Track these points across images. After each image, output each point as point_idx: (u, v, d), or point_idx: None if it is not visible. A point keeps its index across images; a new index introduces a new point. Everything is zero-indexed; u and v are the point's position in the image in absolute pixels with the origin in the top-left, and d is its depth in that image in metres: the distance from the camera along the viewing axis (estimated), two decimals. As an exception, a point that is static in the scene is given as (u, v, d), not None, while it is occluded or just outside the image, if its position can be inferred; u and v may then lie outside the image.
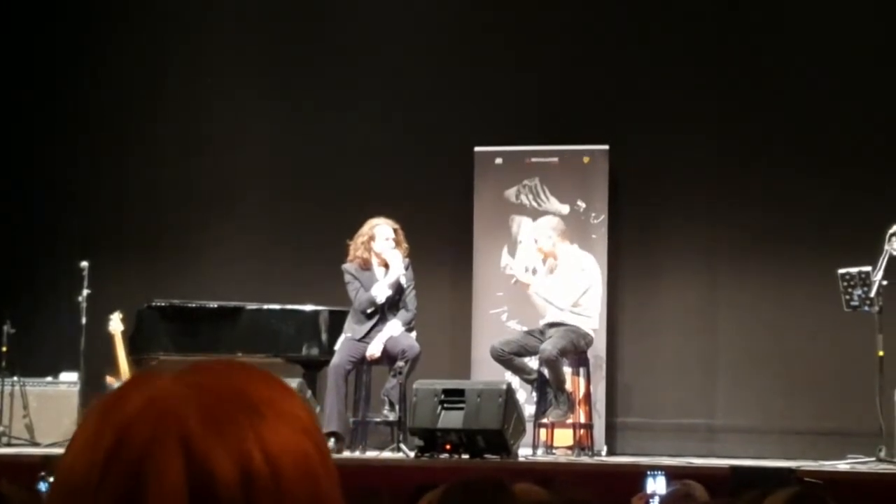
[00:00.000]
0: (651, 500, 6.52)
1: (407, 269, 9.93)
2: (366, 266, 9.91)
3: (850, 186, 11.10)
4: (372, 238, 9.90)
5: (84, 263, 10.78)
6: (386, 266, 9.89)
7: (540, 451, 9.80)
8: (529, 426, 9.72)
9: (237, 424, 1.09)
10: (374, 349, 9.74)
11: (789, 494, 3.38)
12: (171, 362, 10.46)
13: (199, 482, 1.06)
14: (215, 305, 10.63)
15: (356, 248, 9.93)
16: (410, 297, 9.93)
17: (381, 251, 9.87)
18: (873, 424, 9.31)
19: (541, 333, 9.90)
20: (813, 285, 10.79)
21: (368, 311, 9.83)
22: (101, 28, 12.82)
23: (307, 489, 1.10)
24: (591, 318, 10.03)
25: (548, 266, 10.16)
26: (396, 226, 9.95)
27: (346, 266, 9.96)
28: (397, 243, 9.90)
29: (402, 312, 9.88)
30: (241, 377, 1.14)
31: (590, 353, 10.09)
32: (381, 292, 9.80)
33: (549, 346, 9.64)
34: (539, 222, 10.49)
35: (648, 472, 6.92)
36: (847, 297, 9.41)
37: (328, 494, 1.12)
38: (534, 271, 10.21)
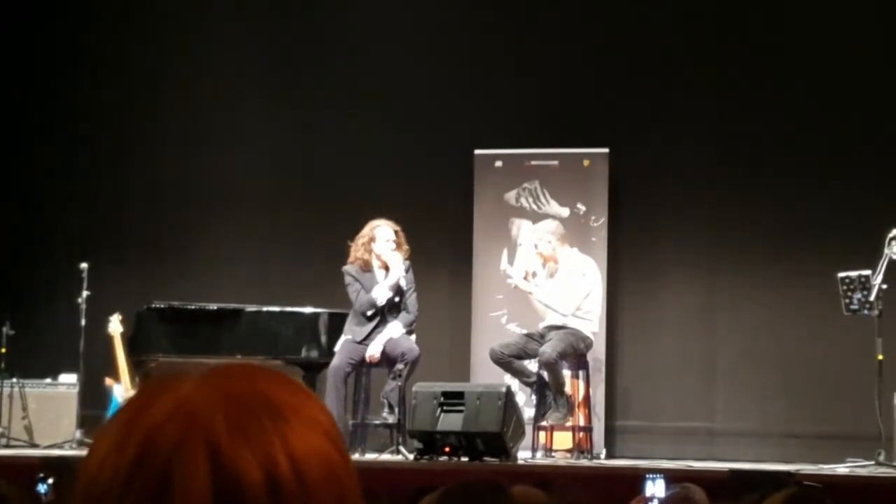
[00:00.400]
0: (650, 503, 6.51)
1: (407, 271, 9.92)
2: (366, 267, 9.90)
3: (850, 189, 11.09)
4: (372, 239, 9.89)
5: (83, 265, 10.78)
6: (386, 268, 9.88)
7: (539, 454, 9.79)
8: (529, 429, 9.71)
9: (263, 429, 1.10)
10: (374, 350, 9.73)
11: (787, 494, 3.38)
12: (170, 364, 10.45)
13: (225, 487, 1.07)
14: (215, 307, 10.61)
15: (356, 249, 9.93)
16: (411, 300, 9.92)
17: (382, 253, 9.86)
18: (872, 428, 9.31)
19: (540, 336, 9.89)
20: (812, 289, 10.79)
21: (369, 312, 9.82)
22: (100, 29, 12.82)
23: (332, 492, 1.12)
24: (591, 321, 10.03)
25: (548, 270, 10.14)
26: (397, 228, 9.94)
27: (347, 268, 9.96)
28: (398, 245, 9.89)
29: (402, 315, 9.87)
30: (264, 381, 1.15)
31: (589, 357, 10.08)
32: (381, 294, 9.79)
33: (549, 348, 9.63)
34: (538, 226, 10.46)
35: (647, 476, 6.91)
36: (847, 300, 9.41)
37: (351, 497, 1.14)
38: (533, 275, 10.17)
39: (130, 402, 1.14)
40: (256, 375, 1.15)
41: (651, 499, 6.47)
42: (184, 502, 1.06)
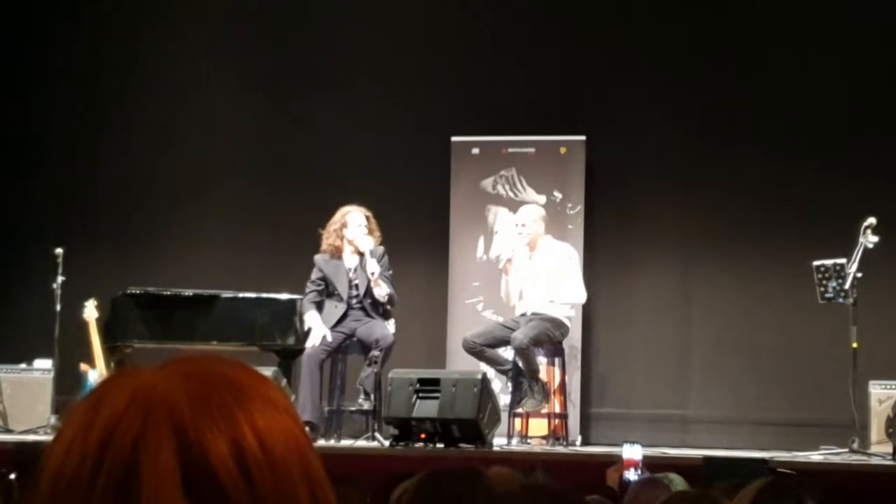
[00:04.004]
0: (626, 473, 6.57)
1: (382, 257, 9.92)
2: (337, 254, 9.91)
3: (826, 178, 11.14)
4: (344, 225, 9.90)
5: (58, 250, 10.74)
6: (359, 253, 9.88)
7: (515, 441, 9.80)
8: (504, 416, 9.72)
9: (225, 404, 1.12)
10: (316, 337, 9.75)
11: (761, 485, 3.40)
12: (145, 350, 10.43)
13: (193, 461, 1.09)
14: (190, 293, 10.59)
15: (328, 236, 9.94)
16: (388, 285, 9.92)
17: (354, 238, 9.87)
18: (847, 416, 9.35)
19: (515, 323, 9.87)
20: (788, 277, 10.83)
21: (304, 314, 9.88)
22: (72, 16, 12.76)
23: (297, 463, 1.14)
24: (565, 305, 9.95)
25: (527, 253, 10.01)
26: (368, 213, 9.94)
27: (318, 258, 9.96)
28: (370, 231, 9.90)
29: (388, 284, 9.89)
30: (221, 364, 1.17)
31: (565, 344, 10.09)
32: (314, 327, 9.80)
33: (521, 335, 9.60)
34: (530, 209, 10.29)
35: (625, 442, 6.95)
36: (822, 288, 9.45)
37: (316, 467, 1.16)
38: (508, 261, 10.07)
39: (92, 392, 1.15)
40: (212, 359, 1.18)
41: (628, 467, 6.53)
42: (153, 480, 1.08)
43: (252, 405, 1.13)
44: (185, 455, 1.09)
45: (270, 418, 1.13)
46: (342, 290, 9.89)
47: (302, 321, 10.17)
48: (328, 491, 1.16)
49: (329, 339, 9.74)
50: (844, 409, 9.40)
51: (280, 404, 1.16)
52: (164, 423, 1.09)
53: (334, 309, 9.87)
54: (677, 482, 5.02)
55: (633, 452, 6.82)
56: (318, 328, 9.75)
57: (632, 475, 6.64)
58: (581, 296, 10.03)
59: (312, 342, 9.72)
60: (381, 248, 9.94)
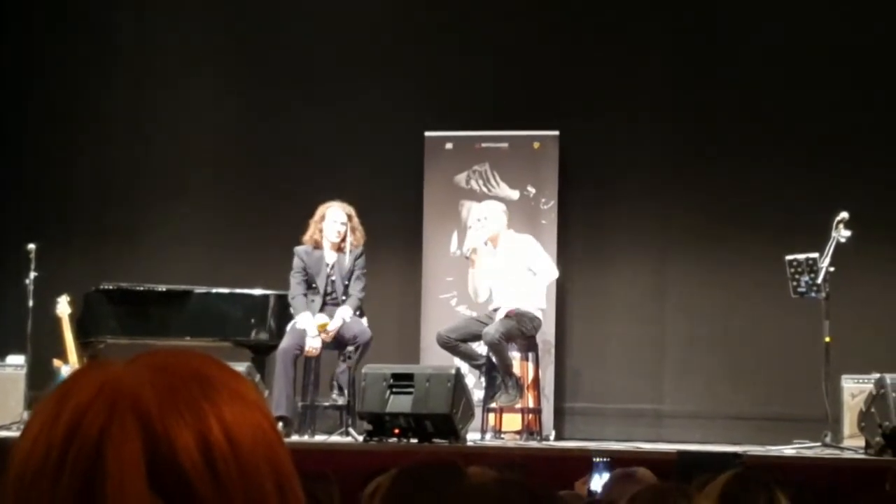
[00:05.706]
0: (591, 485, 6.52)
1: (360, 256, 9.93)
2: (317, 245, 9.94)
3: (799, 174, 11.17)
4: (322, 218, 9.92)
5: (31, 246, 10.69)
6: (338, 249, 9.89)
7: (488, 436, 9.81)
8: (478, 411, 9.72)
9: (194, 399, 1.12)
10: (315, 344, 9.71)
11: (729, 476, 3.42)
12: (118, 346, 10.40)
13: (158, 452, 1.09)
14: (163, 289, 10.56)
15: (310, 227, 9.96)
16: (359, 285, 9.91)
17: (326, 232, 9.88)
18: (819, 410, 9.38)
19: (488, 318, 9.86)
20: (761, 272, 10.86)
21: (291, 310, 9.85)
22: (47, 10, 12.70)
23: (264, 457, 1.14)
24: (531, 297, 9.91)
25: (490, 248, 10.00)
26: (351, 210, 9.93)
27: (298, 249, 9.96)
28: (351, 229, 9.89)
29: (350, 299, 9.87)
30: (192, 359, 1.17)
31: (538, 339, 10.09)
32: (306, 324, 9.75)
33: (493, 329, 9.59)
34: (491, 204, 10.27)
35: (595, 469, 6.87)
36: (794, 283, 9.48)
37: (284, 462, 1.16)
38: (474, 251, 9.99)
39: (60, 384, 1.16)
40: (184, 354, 1.18)
41: (595, 493, 6.46)
42: (117, 471, 1.08)
43: (220, 399, 1.13)
44: (151, 447, 1.09)
45: (238, 412, 1.13)
46: (320, 283, 9.89)
47: (275, 317, 10.17)
48: (296, 485, 1.16)
49: (323, 340, 9.74)
50: (817, 403, 9.43)
51: (249, 398, 1.16)
52: (131, 415, 1.09)
53: (311, 303, 9.86)
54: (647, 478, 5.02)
55: (601, 481, 6.70)
56: (314, 334, 9.72)
57: (597, 486, 6.59)
58: (553, 272, 10.02)
59: (311, 346, 9.70)
60: (360, 249, 9.94)
